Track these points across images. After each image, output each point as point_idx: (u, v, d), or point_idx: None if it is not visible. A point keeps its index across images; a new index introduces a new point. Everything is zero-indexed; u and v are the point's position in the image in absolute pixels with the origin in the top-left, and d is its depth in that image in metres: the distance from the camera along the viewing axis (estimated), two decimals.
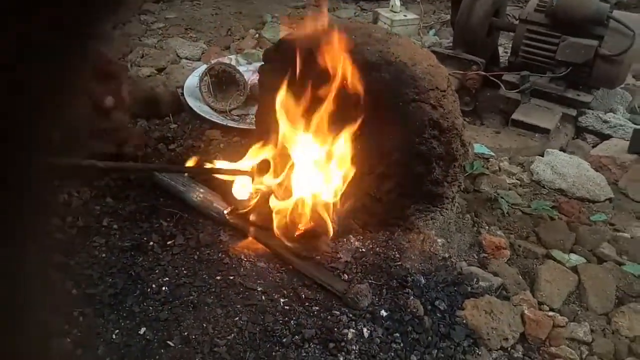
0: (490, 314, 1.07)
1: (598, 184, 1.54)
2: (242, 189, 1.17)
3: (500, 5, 1.95)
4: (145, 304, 1.01)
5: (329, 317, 1.00)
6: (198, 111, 1.68)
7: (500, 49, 2.26)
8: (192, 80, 1.82)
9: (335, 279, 1.07)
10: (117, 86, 1.05)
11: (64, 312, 0.97)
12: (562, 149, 1.75)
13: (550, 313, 1.12)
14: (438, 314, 1.06)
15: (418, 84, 1.09)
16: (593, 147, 1.79)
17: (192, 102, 1.71)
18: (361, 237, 1.18)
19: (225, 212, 1.18)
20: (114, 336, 0.95)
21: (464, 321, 1.05)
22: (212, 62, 1.85)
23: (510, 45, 1.99)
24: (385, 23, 2.57)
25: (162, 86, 1.72)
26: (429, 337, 1.00)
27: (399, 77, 1.10)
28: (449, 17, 2.41)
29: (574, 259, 1.27)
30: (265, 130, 1.24)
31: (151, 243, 1.14)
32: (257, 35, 2.45)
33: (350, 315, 1.01)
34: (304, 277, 1.08)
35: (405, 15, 2.61)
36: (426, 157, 1.12)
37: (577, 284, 1.20)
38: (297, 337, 0.96)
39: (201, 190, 1.24)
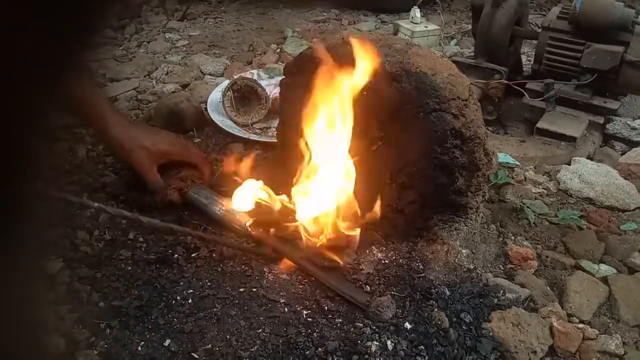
0: (518, 326, 1.04)
1: (627, 192, 1.50)
2: (243, 200, 1.18)
3: (522, 13, 1.93)
4: (170, 316, 1.02)
5: (352, 329, 0.99)
6: (221, 125, 1.70)
7: (524, 57, 2.23)
8: (215, 95, 1.85)
9: (358, 290, 1.07)
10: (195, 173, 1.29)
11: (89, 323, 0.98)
12: (589, 157, 1.71)
13: (580, 325, 1.09)
14: (464, 327, 1.04)
15: (439, 93, 1.09)
16: (621, 154, 1.75)
17: (215, 117, 1.74)
18: (384, 249, 1.17)
19: (248, 224, 1.19)
20: (139, 348, 0.96)
21: (491, 334, 1.03)
22: (235, 77, 1.88)
23: (534, 54, 1.97)
24: (405, 35, 2.57)
25: (186, 101, 1.76)
26: (455, 350, 0.99)
27: (420, 87, 1.09)
28: (469, 27, 2.39)
29: (604, 269, 1.23)
30: (286, 143, 1.25)
31: (176, 256, 1.15)
32: (278, 50, 2.48)
33: (374, 327, 1.00)
34: (326, 289, 1.07)
35: (425, 27, 2.61)
36: (448, 167, 1.11)
37: (607, 295, 1.17)
38: (320, 349, 0.95)
39: (223, 203, 1.25)
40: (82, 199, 1.20)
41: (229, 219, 1.22)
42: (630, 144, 1.78)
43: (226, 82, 1.84)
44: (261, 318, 1.01)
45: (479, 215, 1.26)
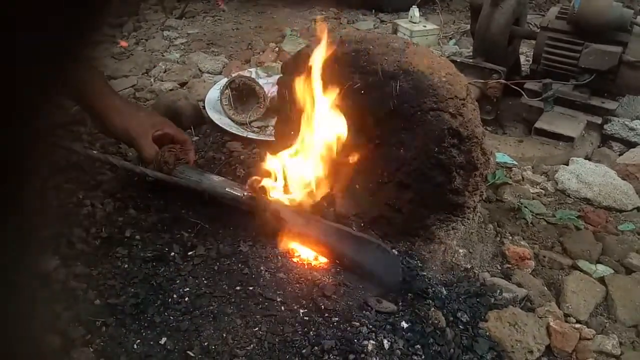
0: (515, 326, 1.04)
1: (625, 192, 1.50)
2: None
3: (520, 13, 1.93)
4: (166, 314, 1.02)
5: (349, 328, 0.99)
6: (219, 123, 1.70)
7: (522, 57, 2.23)
8: (213, 94, 1.84)
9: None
10: (183, 150, 1.34)
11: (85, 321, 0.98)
12: (587, 158, 1.71)
13: (577, 325, 1.09)
14: (460, 326, 1.04)
15: (437, 92, 1.09)
16: (619, 155, 1.75)
17: (213, 115, 1.74)
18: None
19: (243, 195, 1.20)
20: (135, 346, 0.96)
21: (487, 333, 1.03)
22: (233, 75, 1.88)
23: (532, 53, 1.97)
24: (404, 34, 2.57)
25: (184, 99, 1.75)
26: (451, 350, 0.98)
27: (417, 86, 1.09)
28: (468, 26, 2.39)
29: (601, 269, 1.23)
30: (284, 141, 1.24)
31: (172, 253, 1.15)
32: (276, 48, 2.48)
33: (371, 326, 0.99)
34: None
35: (424, 26, 2.61)
36: (446, 166, 1.11)
37: (604, 295, 1.17)
38: (316, 348, 0.95)
39: (215, 178, 1.28)
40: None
41: (222, 191, 1.23)
42: (628, 144, 1.78)
43: (224, 81, 1.84)
44: (257, 316, 1.01)
45: (476, 214, 1.26)
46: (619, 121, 1.83)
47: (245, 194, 1.20)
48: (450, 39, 2.72)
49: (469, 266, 1.18)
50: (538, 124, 1.78)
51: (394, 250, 1.15)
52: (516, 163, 1.64)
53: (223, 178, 1.30)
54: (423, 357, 0.96)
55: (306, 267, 1.12)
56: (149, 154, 1.30)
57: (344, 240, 1.13)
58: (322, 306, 1.03)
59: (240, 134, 1.67)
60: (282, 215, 1.14)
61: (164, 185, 1.29)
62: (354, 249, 1.12)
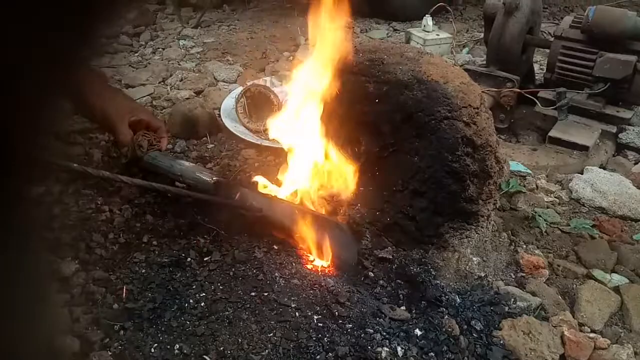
0: (529, 334, 1.04)
1: None
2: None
3: (534, 22, 1.94)
4: (182, 318, 1.03)
5: (363, 334, 1.00)
6: (234, 131, 1.72)
7: (536, 66, 2.24)
8: (228, 102, 1.87)
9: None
10: (156, 137, 1.40)
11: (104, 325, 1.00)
12: (602, 166, 1.70)
13: (592, 335, 1.08)
14: (474, 334, 1.04)
15: (450, 101, 1.10)
16: (635, 164, 1.74)
17: (228, 123, 1.76)
18: (394, 254, 1.18)
19: (212, 179, 1.26)
20: (152, 350, 0.97)
21: (501, 342, 1.03)
22: (248, 84, 1.90)
23: (546, 62, 1.97)
24: (417, 43, 2.58)
25: (200, 108, 1.78)
26: (465, 358, 0.99)
27: (431, 95, 1.10)
28: (482, 35, 2.40)
29: (616, 279, 1.23)
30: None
31: (189, 259, 1.17)
32: (291, 57, 2.50)
33: (384, 333, 1.00)
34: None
35: (437, 35, 2.62)
36: (460, 175, 1.12)
37: (619, 304, 1.16)
38: (330, 354, 0.96)
39: (186, 163, 1.35)
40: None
41: (193, 174, 1.29)
42: None
43: (239, 89, 1.86)
44: (272, 322, 1.02)
45: (490, 223, 1.26)
46: (634, 130, 1.82)
47: (214, 179, 1.25)
48: (464, 47, 2.73)
49: (482, 274, 1.18)
50: (552, 133, 1.78)
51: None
52: (530, 171, 1.64)
53: (193, 164, 1.37)
54: None
55: (320, 273, 1.13)
56: (124, 138, 1.36)
57: (305, 219, 1.18)
58: (336, 312, 1.04)
59: (255, 142, 1.69)
60: (248, 198, 1.20)
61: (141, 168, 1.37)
62: (315, 228, 1.17)
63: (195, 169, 1.32)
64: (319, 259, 1.16)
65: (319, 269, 1.15)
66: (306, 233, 1.16)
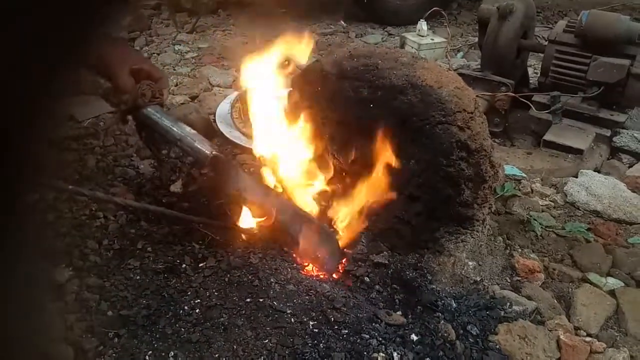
0: (525, 339, 1.04)
1: (635, 205, 1.50)
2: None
3: (528, 26, 1.94)
4: (177, 325, 1.02)
5: (359, 340, 0.99)
6: (229, 136, 1.72)
7: (530, 70, 2.24)
8: (223, 107, 1.87)
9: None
10: (157, 87, 1.29)
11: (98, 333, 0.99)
12: (596, 170, 1.71)
13: (588, 338, 1.08)
14: (470, 339, 1.04)
15: (445, 106, 1.10)
16: (629, 167, 1.75)
17: (223, 128, 1.76)
18: (389, 259, 1.18)
19: (212, 152, 1.19)
20: (147, 357, 0.97)
21: (497, 346, 1.03)
22: (243, 89, 1.90)
23: (540, 66, 1.98)
24: (412, 47, 2.59)
25: (195, 113, 1.78)
26: None
27: (426, 100, 1.11)
28: (476, 39, 2.41)
29: (612, 282, 1.23)
30: None
31: (184, 265, 1.16)
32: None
33: (380, 339, 1.00)
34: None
35: (432, 39, 2.63)
36: (455, 179, 1.12)
37: (615, 308, 1.16)
38: None
39: (188, 129, 1.24)
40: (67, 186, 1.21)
41: (192, 143, 1.21)
42: (638, 156, 1.78)
43: (235, 94, 1.86)
44: (268, 328, 1.01)
45: (485, 227, 1.26)
46: (628, 133, 1.83)
47: (213, 153, 1.18)
48: (458, 51, 2.74)
49: (478, 279, 1.18)
50: (547, 136, 1.78)
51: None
52: (525, 175, 1.65)
53: (195, 132, 1.25)
54: None
55: (315, 279, 1.13)
56: (124, 84, 1.26)
57: (295, 218, 1.19)
58: (332, 318, 1.03)
59: (250, 147, 1.68)
60: (242, 180, 1.20)
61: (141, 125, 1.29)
62: (303, 229, 1.18)
63: (196, 138, 1.21)
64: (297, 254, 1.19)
65: (314, 275, 1.14)
66: (296, 234, 1.18)
